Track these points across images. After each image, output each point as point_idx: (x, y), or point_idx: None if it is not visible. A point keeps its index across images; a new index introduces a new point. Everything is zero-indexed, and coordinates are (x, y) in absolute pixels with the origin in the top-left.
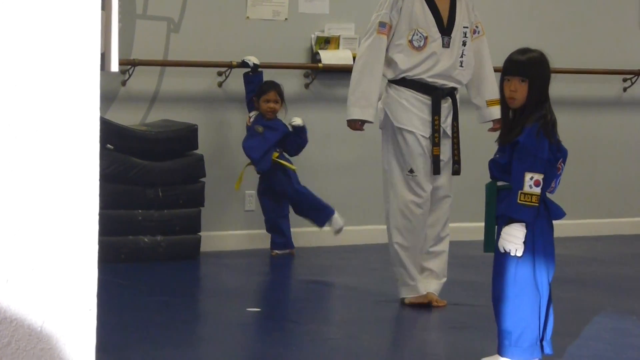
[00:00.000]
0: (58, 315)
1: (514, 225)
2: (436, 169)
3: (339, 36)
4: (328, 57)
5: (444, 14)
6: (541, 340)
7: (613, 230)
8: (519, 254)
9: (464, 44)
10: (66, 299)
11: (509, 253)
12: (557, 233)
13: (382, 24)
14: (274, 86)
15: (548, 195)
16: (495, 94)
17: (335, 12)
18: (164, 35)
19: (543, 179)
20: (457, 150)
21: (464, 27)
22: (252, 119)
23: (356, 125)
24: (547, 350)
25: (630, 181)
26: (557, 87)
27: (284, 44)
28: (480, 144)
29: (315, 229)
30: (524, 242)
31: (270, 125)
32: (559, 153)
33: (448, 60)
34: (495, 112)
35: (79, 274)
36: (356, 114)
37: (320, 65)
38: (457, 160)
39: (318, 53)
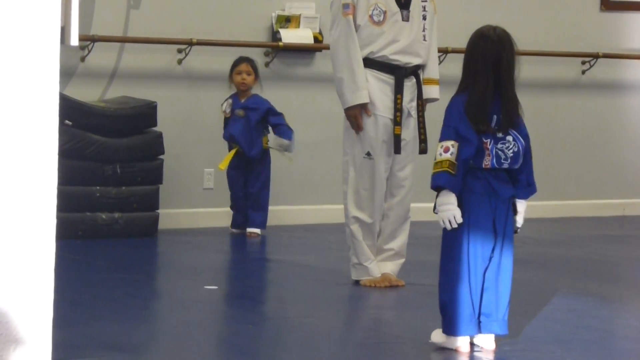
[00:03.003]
0: (15, 291)
1: (441, 193)
2: (397, 149)
3: (300, 15)
4: (288, 36)
5: None
6: (479, 317)
7: (570, 212)
8: (459, 220)
9: (424, 17)
10: (24, 275)
11: (446, 230)
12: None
13: (345, 6)
14: (247, 59)
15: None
16: (432, 74)
17: None
18: (123, 11)
19: (459, 146)
20: (423, 129)
21: (422, 0)
22: (226, 107)
23: (356, 112)
24: (500, 330)
25: (587, 163)
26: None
27: (245, 22)
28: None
29: (273, 207)
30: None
31: (249, 105)
32: (483, 135)
33: (409, 35)
34: (430, 91)
35: (37, 250)
36: (351, 101)
37: (280, 44)
38: (423, 140)
39: (278, 32)
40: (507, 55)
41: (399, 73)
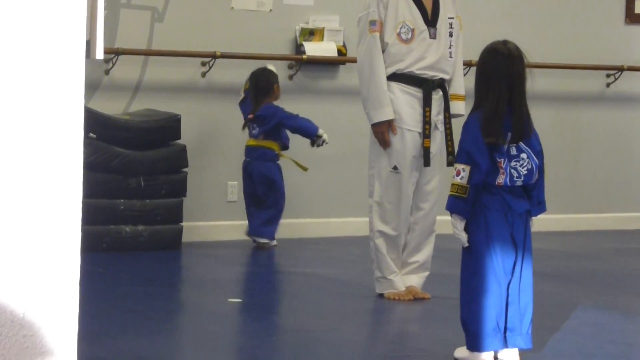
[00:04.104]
0: (41, 303)
1: (452, 216)
2: (426, 161)
3: (324, 28)
4: (312, 48)
5: (428, 6)
6: (505, 332)
7: (594, 225)
8: (465, 243)
9: (451, 34)
10: (49, 287)
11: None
12: (537, 227)
13: (372, 22)
14: None
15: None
16: (458, 89)
17: (320, 4)
18: (148, 24)
19: (471, 170)
20: (451, 142)
21: (449, 17)
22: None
23: (383, 128)
24: (524, 344)
25: (612, 177)
26: (541, 82)
27: (268, 35)
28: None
29: (297, 220)
30: (477, 233)
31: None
32: (497, 153)
33: (436, 52)
34: (456, 106)
35: (62, 262)
36: (375, 118)
37: (304, 56)
38: (450, 152)
39: (302, 45)
40: (518, 69)
41: (427, 86)
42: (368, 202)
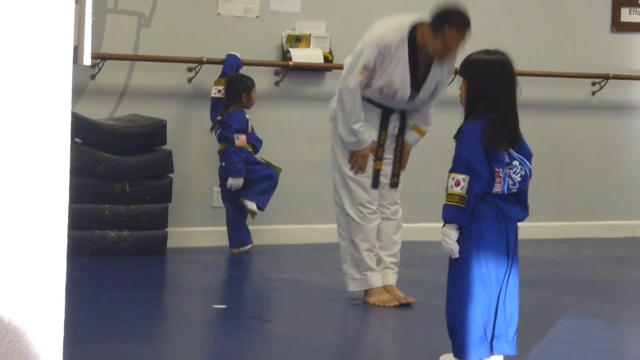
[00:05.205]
0: (27, 308)
1: (446, 226)
2: (375, 183)
3: (310, 35)
4: (299, 55)
5: (421, 72)
6: (492, 340)
7: (578, 233)
8: (455, 255)
9: (431, 98)
10: (35, 292)
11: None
12: (522, 235)
13: (366, 67)
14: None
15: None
16: (424, 125)
17: (307, 11)
18: (134, 29)
19: (470, 180)
20: (399, 164)
21: (435, 85)
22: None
23: (368, 150)
24: (510, 351)
25: (597, 185)
26: (526, 90)
27: (255, 41)
28: (443, 147)
29: (280, 226)
30: (469, 241)
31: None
32: (493, 162)
33: (406, 106)
34: (412, 136)
35: (48, 268)
36: (366, 140)
37: (290, 63)
38: (396, 174)
39: (289, 51)
40: (513, 76)
41: (386, 111)
42: (335, 208)
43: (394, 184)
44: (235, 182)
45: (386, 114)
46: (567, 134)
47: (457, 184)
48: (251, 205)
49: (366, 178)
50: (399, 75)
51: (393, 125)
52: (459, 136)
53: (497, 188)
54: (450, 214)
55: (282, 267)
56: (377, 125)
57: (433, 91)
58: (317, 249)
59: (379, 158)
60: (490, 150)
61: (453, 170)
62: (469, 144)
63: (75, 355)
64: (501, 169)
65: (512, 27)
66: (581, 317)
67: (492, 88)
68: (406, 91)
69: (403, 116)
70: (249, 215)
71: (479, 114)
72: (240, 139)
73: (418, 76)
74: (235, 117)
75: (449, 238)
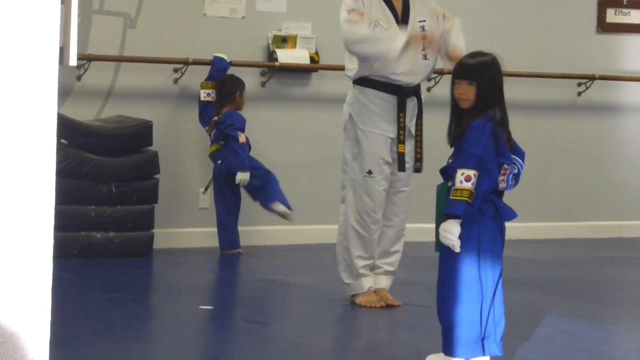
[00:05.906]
0: (13, 309)
1: (449, 221)
2: (401, 166)
3: (296, 35)
4: (285, 56)
5: (398, 8)
6: (483, 340)
7: (564, 233)
8: (457, 250)
9: (425, 37)
10: (21, 293)
11: (452, 250)
12: (509, 235)
13: (352, 9)
14: None
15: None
16: (457, 52)
17: (293, 11)
18: (120, 30)
19: (479, 176)
20: (420, 149)
21: (419, 20)
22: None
23: (413, 33)
24: (497, 351)
25: (583, 185)
26: (512, 90)
27: (241, 42)
28: (436, 146)
29: (268, 227)
30: (469, 239)
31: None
32: (501, 158)
33: (410, 54)
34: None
35: (34, 269)
36: (400, 40)
37: (276, 64)
38: (419, 158)
39: (275, 52)
40: (501, 77)
41: (402, 93)
42: (341, 207)
43: (417, 169)
44: (244, 177)
45: (402, 100)
46: (553, 134)
47: (468, 179)
48: (283, 208)
49: (376, 185)
50: (378, 10)
51: (412, 108)
52: (468, 132)
53: (502, 184)
54: (459, 209)
55: (269, 268)
56: (394, 110)
57: (423, 28)
58: (305, 250)
59: (401, 141)
60: (503, 145)
61: (462, 166)
62: (481, 140)
63: (62, 357)
64: (509, 165)
65: (498, 27)
66: (567, 318)
67: (499, 88)
68: (394, 26)
69: (419, 100)
70: (281, 218)
71: (484, 112)
72: (242, 137)
73: (395, 10)
74: (235, 116)
75: (451, 234)
